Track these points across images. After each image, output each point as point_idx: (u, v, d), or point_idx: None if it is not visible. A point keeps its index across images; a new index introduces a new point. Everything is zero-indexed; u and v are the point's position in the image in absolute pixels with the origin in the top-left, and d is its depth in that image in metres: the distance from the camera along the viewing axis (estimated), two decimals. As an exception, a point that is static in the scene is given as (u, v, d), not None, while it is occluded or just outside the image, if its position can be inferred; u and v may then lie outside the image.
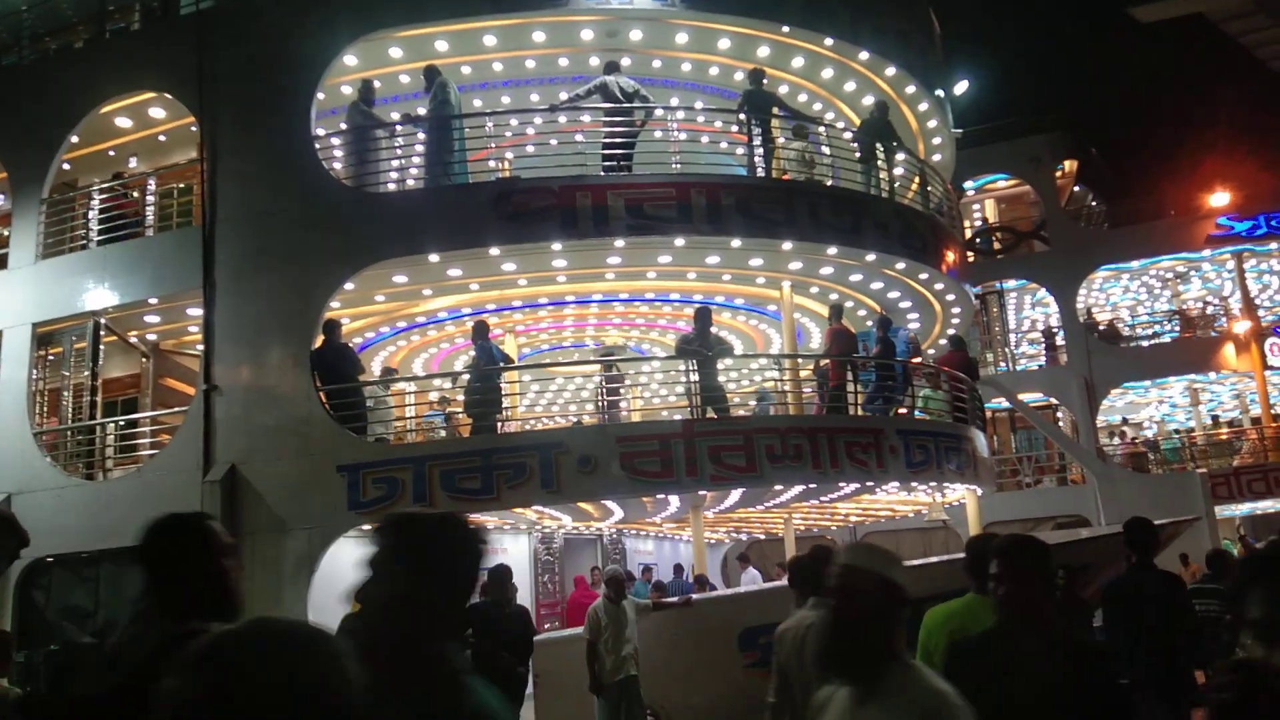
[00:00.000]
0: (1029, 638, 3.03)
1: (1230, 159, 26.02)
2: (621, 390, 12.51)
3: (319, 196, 11.87)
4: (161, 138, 14.43)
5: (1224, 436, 25.94)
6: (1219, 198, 24.27)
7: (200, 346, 12.21)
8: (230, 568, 2.57)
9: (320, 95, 12.38)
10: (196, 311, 12.21)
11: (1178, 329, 26.58)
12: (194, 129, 12.68)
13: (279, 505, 11.08)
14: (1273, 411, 24.46)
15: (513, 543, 16.59)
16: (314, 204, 11.83)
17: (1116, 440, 26.53)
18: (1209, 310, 27.06)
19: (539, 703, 9.96)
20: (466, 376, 12.57)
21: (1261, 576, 1.46)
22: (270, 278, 11.75)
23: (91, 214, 13.34)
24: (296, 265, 11.66)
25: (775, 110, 13.34)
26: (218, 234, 11.99)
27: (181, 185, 13.67)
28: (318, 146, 12.17)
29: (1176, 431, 27.56)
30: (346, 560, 12.74)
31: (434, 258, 11.73)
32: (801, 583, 5.09)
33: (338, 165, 12.57)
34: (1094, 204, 29.99)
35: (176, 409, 13.01)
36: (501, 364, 12.57)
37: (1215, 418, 26.81)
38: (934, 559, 13.29)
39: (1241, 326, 24.03)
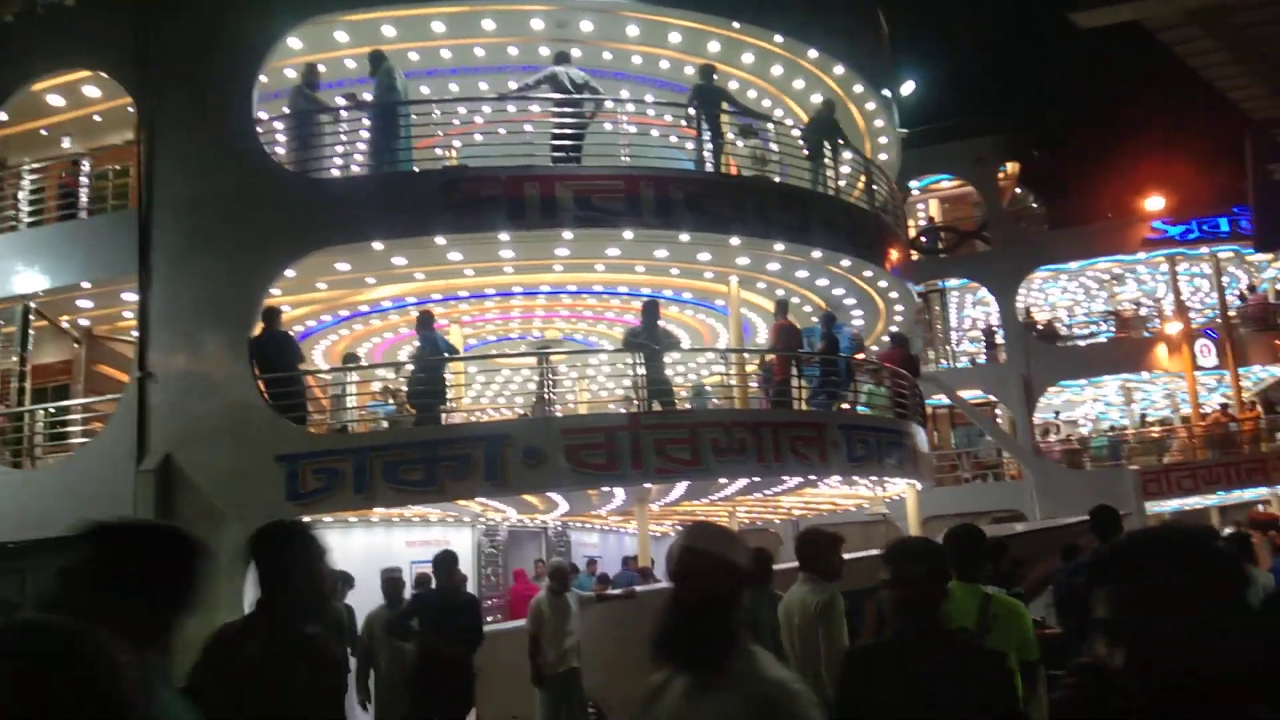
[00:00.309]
0: (923, 646, 2.89)
1: (1165, 165, 26.74)
2: (555, 386, 12.40)
3: (260, 181, 11.62)
4: (97, 118, 14.00)
5: (1155, 435, 26.68)
6: (1154, 202, 24.91)
7: (135, 332, 11.89)
8: (326, 571, 2.72)
9: (263, 78, 12.12)
10: (132, 296, 11.89)
11: (1113, 329, 27.25)
12: (131, 110, 12.34)
13: (215, 496, 10.84)
14: (1201, 411, 25.21)
15: (456, 535, 16.44)
16: (255, 189, 11.58)
17: (1054, 437, 27.18)
18: (1143, 311, 27.78)
19: (480, 695, 9.91)
20: (410, 367, 12.44)
21: (1111, 575, 1.46)
22: (209, 263, 11.48)
23: (21, 194, 12.92)
24: (236, 251, 11.41)
25: (725, 106, 13.39)
26: (154, 218, 11.68)
27: (117, 167, 13.30)
28: (260, 130, 11.92)
29: (1111, 429, 28.25)
30: (285, 552, 12.56)
31: (378, 245, 11.57)
32: (800, 560, 5.50)
33: (280, 150, 12.32)
34: (1035, 205, 30.62)
35: (110, 396, 12.67)
36: (446, 355, 12.46)
37: (1144, 416, 27.53)
38: (874, 551, 13.51)
39: (1174, 328, 24.72)
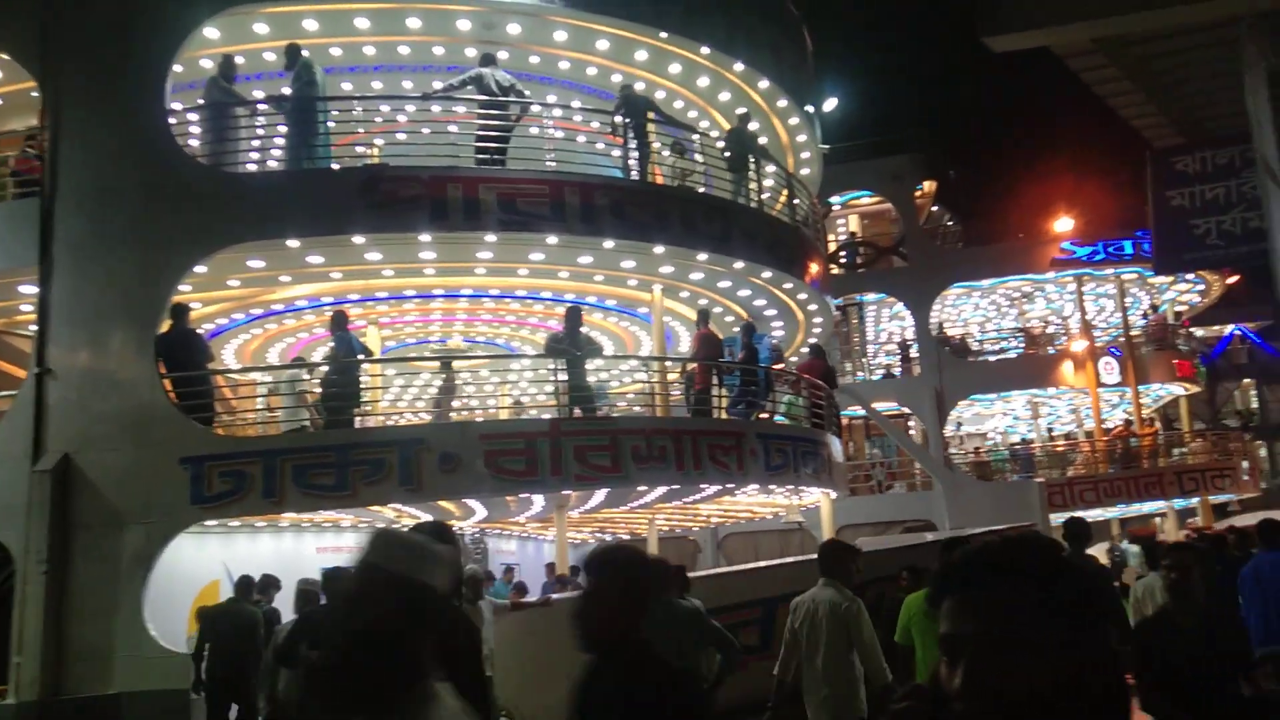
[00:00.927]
0: (612, 665, 2.65)
1: (1075, 187, 27.73)
2: (458, 392, 12.23)
3: (171, 173, 11.24)
4: (-3, 101, 13.42)
5: (1060, 449, 27.59)
6: (1063, 224, 25.81)
7: (34, 327, 11.38)
8: None
9: (178, 68, 11.73)
10: (31, 290, 11.39)
11: (1022, 346, 28.12)
12: (35, 94, 11.83)
13: (116, 498, 10.44)
14: (1104, 426, 26.17)
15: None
16: (165, 181, 11.19)
17: (968, 450, 27.91)
18: (1050, 329, 28.73)
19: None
20: (324, 369, 12.16)
21: (953, 589, 1.32)
22: (115, 257, 11.06)
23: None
24: (144, 245, 11.01)
25: (651, 115, 13.44)
26: (58, 208, 11.19)
27: (18, 153, 12.71)
28: (172, 121, 11.54)
29: (1022, 442, 29.09)
30: (189, 558, 12.15)
31: (293, 243, 11.29)
32: (820, 564, 6.11)
33: (194, 142, 11.94)
34: (950, 224, 31.46)
35: (5, 393, 12.09)
36: (361, 356, 12.21)
37: (1049, 430, 28.46)
38: (789, 560, 13.69)
39: (1079, 346, 25.61)
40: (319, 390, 11.98)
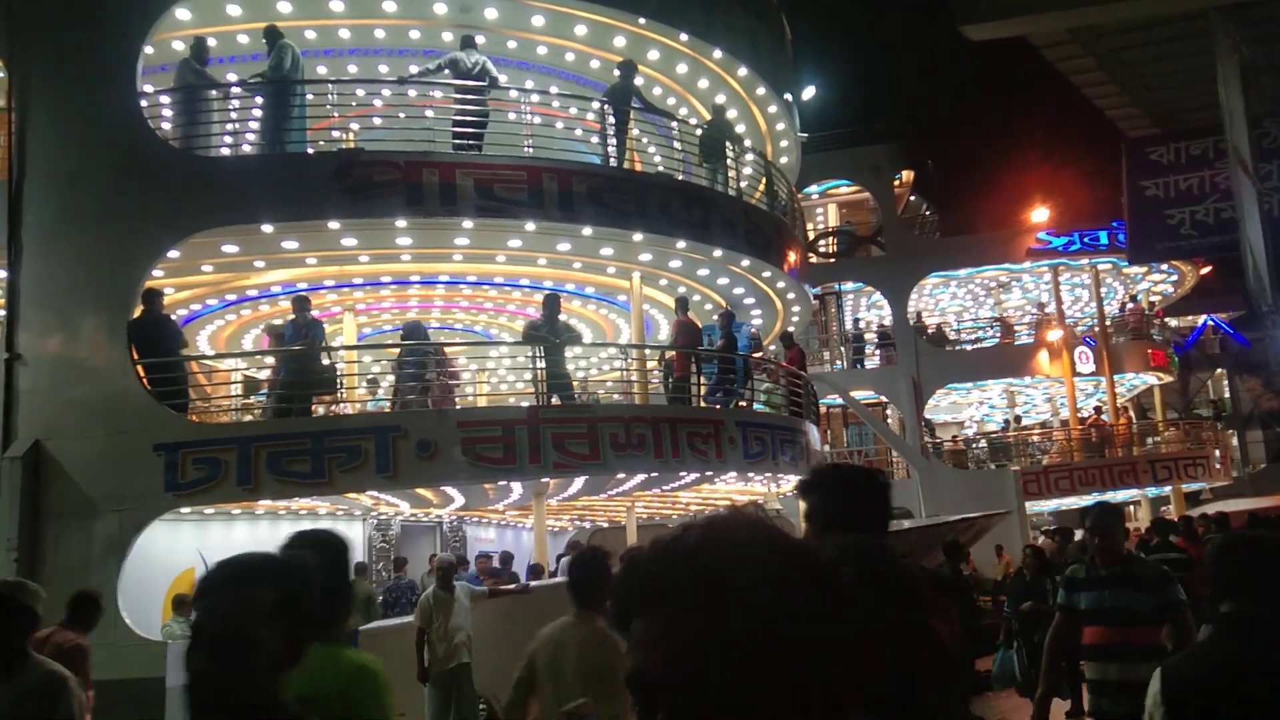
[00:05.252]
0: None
1: (1051, 177, 27.90)
2: (419, 378, 12.07)
3: (143, 157, 11.09)
4: (-37, 83, 13.18)
5: (1035, 437, 27.82)
6: (1039, 214, 25.96)
7: (2, 312, 11.23)
8: None
9: (149, 49, 11.58)
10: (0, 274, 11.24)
11: (998, 335, 28.31)
12: (1, 73, 11.64)
13: (88, 485, 10.33)
14: (1079, 415, 26.41)
15: (347, 529, 16.07)
16: (137, 164, 11.04)
17: (945, 439, 28.08)
18: (1026, 318, 28.94)
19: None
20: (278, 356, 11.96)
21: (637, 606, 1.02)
22: (85, 241, 10.91)
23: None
24: (115, 229, 10.86)
25: (633, 102, 13.39)
26: (26, 191, 11.02)
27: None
28: (144, 104, 11.38)
29: (1004, 429, 29.25)
30: (163, 546, 12.05)
31: (267, 228, 11.18)
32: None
33: (166, 125, 11.79)
34: (927, 213, 31.58)
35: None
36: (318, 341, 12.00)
37: (1017, 418, 28.69)
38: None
39: (1055, 335, 25.81)
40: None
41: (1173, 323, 33.83)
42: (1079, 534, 17.14)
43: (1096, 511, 5.34)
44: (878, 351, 27.21)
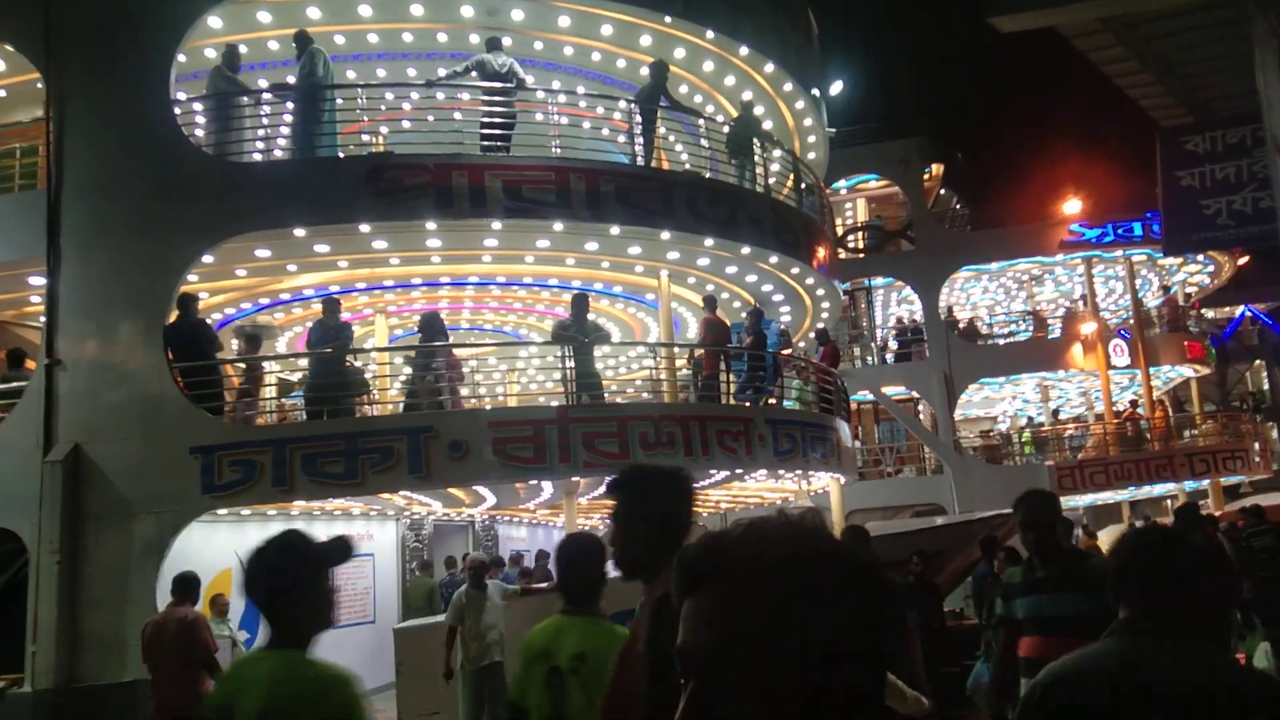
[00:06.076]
0: None
1: (1083, 169, 27.53)
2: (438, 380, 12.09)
3: (177, 164, 11.25)
4: (1, 93, 13.43)
5: (1070, 431, 27.51)
6: (1072, 205, 25.64)
7: (43, 318, 11.43)
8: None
9: (181, 57, 11.73)
10: (39, 281, 11.42)
11: (1031, 329, 28.01)
12: (39, 85, 11.85)
13: (126, 488, 10.50)
14: (1114, 409, 26.08)
15: (380, 529, 16.21)
16: (171, 171, 11.20)
17: (977, 435, 27.83)
18: (1060, 311, 28.61)
19: (401, 690, 9.77)
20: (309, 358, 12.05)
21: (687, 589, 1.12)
22: (122, 247, 11.08)
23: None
24: (151, 235, 11.03)
25: (660, 100, 13.40)
26: (64, 199, 11.21)
27: (24, 145, 12.75)
28: (177, 111, 11.54)
29: (1026, 426, 29.00)
30: (200, 547, 12.21)
31: (299, 232, 11.30)
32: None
33: (199, 132, 11.95)
34: (958, 207, 31.30)
35: (15, 384, 12.15)
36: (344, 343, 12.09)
37: (1055, 412, 28.36)
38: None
39: (1089, 328, 25.50)
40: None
41: (1209, 314, 33.31)
42: (1078, 531, 16.54)
43: (1028, 501, 4.47)
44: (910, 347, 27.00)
